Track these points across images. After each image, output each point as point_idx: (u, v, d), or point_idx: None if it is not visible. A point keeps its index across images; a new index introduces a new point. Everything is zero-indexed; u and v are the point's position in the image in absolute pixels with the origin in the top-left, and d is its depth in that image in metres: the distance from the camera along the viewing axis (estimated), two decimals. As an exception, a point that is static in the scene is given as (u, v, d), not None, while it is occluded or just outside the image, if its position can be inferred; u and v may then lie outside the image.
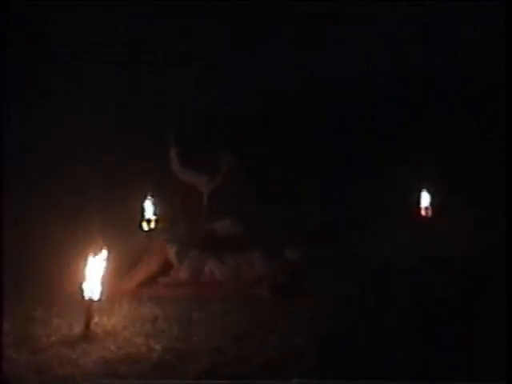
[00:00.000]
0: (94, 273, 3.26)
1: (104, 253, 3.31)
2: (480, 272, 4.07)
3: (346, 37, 7.15)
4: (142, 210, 4.64)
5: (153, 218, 4.63)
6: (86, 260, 3.27)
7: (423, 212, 5.00)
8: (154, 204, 4.65)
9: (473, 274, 4.04)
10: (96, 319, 3.32)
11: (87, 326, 3.20)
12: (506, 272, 3.38)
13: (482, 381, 2.67)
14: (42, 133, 6.71)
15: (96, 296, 3.24)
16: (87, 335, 3.17)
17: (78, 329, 3.23)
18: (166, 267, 4.09)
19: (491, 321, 3.28)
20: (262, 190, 4.81)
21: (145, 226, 4.61)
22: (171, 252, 4.06)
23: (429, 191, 5.04)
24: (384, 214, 5.18)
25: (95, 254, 3.29)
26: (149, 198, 4.65)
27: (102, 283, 3.28)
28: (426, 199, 5.00)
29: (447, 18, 7.12)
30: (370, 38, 7.20)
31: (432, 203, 5.00)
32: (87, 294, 3.22)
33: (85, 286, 3.23)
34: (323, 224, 5.09)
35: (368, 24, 7.06)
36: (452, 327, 3.33)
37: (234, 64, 7.43)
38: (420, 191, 5.06)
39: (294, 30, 7.29)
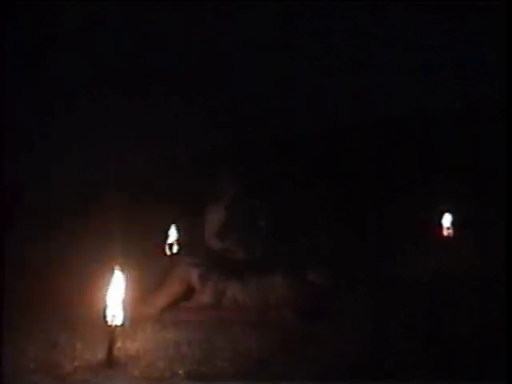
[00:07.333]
0: (117, 297, 3.26)
1: (127, 277, 3.32)
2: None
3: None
4: (165, 234, 4.65)
5: (175, 242, 4.63)
6: (108, 285, 3.28)
7: (445, 232, 4.96)
8: (177, 228, 4.66)
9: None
10: (119, 344, 3.32)
11: (110, 351, 3.19)
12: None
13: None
14: (68, 156, 6.87)
15: (119, 321, 3.24)
16: (110, 360, 3.16)
17: (101, 354, 3.23)
18: (188, 291, 4.10)
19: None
20: (283, 213, 4.82)
21: (168, 251, 4.61)
22: (194, 276, 4.07)
23: (450, 211, 5.00)
24: (406, 235, 5.14)
25: (118, 279, 3.30)
26: (172, 222, 4.66)
27: (125, 308, 3.27)
28: (447, 219, 4.96)
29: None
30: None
31: (454, 223, 4.96)
32: (110, 319, 3.22)
33: (108, 310, 3.23)
34: (346, 245, 5.06)
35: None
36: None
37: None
38: (442, 211, 5.02)
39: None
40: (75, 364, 3.16)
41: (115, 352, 3.21)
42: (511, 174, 4.54)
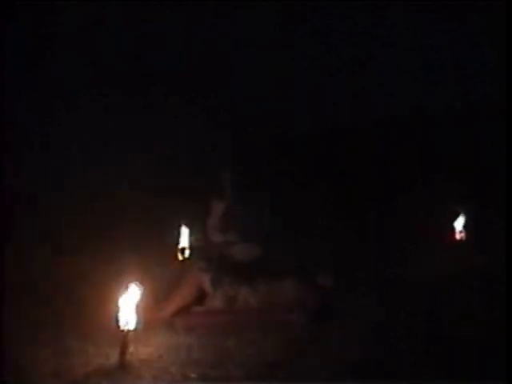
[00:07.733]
0: (130, 302, 3.28)
1: (139, 282, 3.34)
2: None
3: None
4: (177, 238, 4.65)
5: (187, 246, 4.63)
6: (121, 289, 3.29)
7: (457, 236, 4.98)
8: (189, 233, 4.66)
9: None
10: (132, 348, 3.32)
11: (123, 355, 3.21)
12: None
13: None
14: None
15: (132, 325, 3.25)
16: (123, 365, 3.18)
17: (113, 358, 3.24)
18: (200, 296, 4.10)
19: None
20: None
21: (179, 255, 4.62)
22: (206, 281, 4.07)
23: (463, 214, 5.03)
24: (417, 238, 5.16)
25: (130, 284, 3.31)
26: (183, 226, 4.66)
27: (138, 312, 3.29)
28: (460, 222, 4.98)
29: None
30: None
31: (466, 226, 4.99)
32: (123, 324, 3.24)
33: (120, 315, 3.24)
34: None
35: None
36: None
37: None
38: (454, 215, 5.05)
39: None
40: (88, 368, 3.17)
41: (128, 356, 3.23)
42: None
